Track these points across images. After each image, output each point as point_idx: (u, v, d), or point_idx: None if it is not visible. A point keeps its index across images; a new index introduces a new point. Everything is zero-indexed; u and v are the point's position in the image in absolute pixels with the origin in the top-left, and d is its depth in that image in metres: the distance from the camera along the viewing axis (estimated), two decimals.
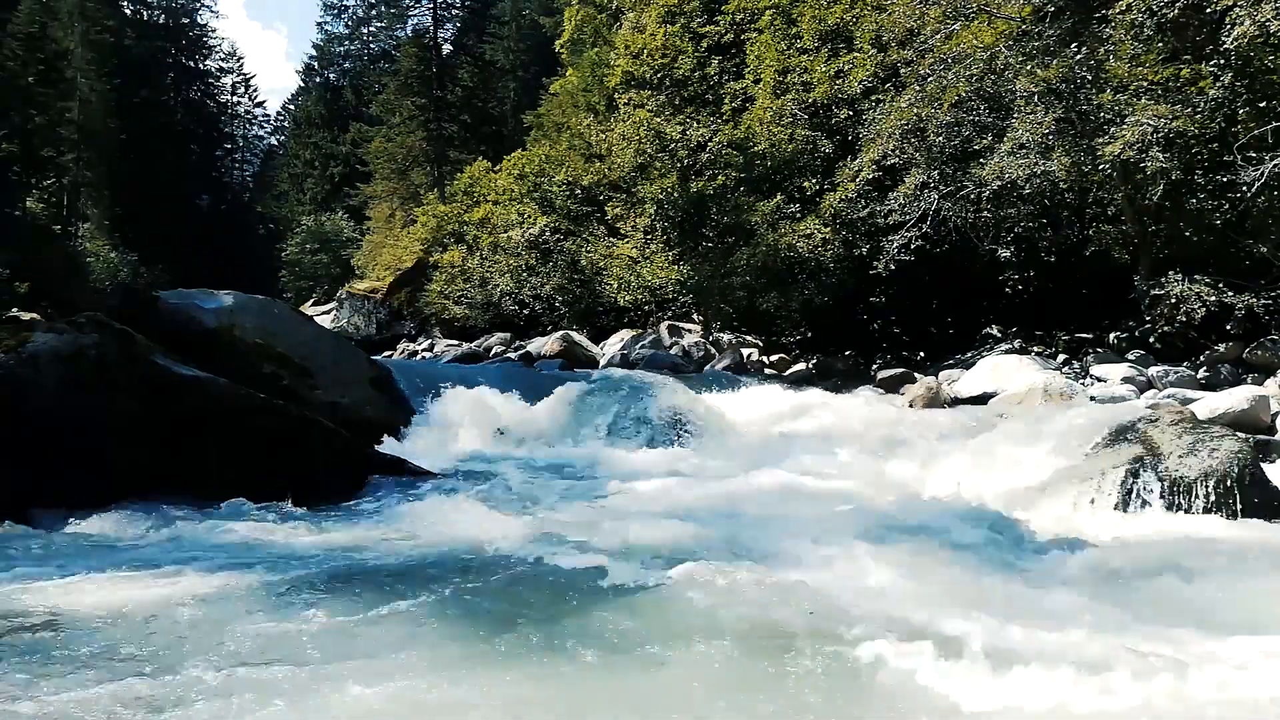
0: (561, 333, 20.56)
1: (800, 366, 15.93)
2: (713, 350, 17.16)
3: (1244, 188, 11.34)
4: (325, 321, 31.03)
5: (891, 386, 13.25)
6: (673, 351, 17.03)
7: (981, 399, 11.61)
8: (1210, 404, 9.51)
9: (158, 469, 6.42)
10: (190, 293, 10.40)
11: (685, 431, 10.24)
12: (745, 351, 16.96)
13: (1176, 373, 11.53)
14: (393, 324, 31.24)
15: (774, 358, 16.76)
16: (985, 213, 14.16)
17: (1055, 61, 12.53)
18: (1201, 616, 4.13)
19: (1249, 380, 11.02)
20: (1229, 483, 6.32)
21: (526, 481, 7.99)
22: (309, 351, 9.92)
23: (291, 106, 60.31)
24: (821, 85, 17.36)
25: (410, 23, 51.40)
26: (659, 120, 18.35)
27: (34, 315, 10.46)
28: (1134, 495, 6.45)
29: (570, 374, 15.21)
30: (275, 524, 5.92)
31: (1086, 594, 4.56)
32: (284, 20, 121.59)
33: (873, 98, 16.21)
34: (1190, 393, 10.52)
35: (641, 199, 18.35)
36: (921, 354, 15.52)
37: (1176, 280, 12.02)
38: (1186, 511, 6.25)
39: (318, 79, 57.88)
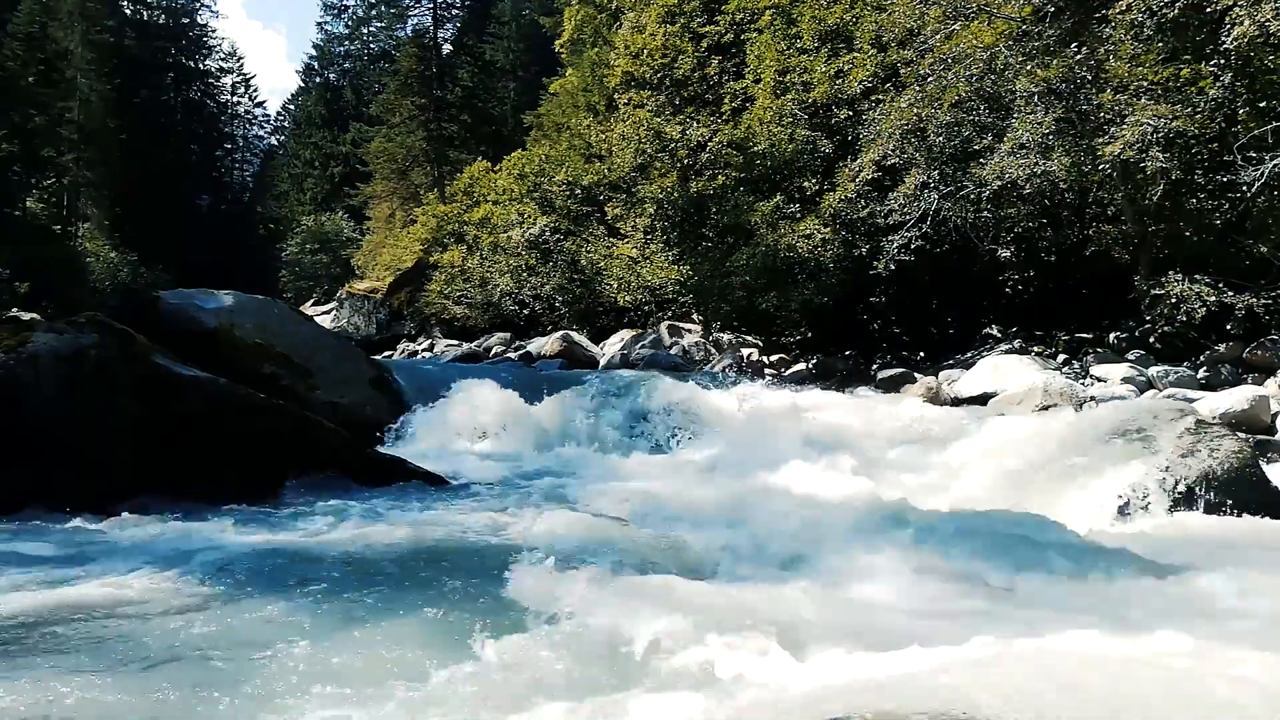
0: (561, 333, 20.56)
1: (800, 366, 15.92)
2: (713, 350, 17.16)
3: (1244, 188, 11.35)
4: (325, 321, 31.03)
5: (891, 386, 13.25)
6: (673, 351, 17.03)
7: (981, 399, 11.61)
8: (1210, 404, 9.51)
9: (157, 469, 6.42)
10: (190, 293, 10.41)
11: (684, 432, 10.25)
12: (745, 351, 16.95)
13: (1176, 373, 11.53)
14: (393, 324, 31.22)
15: (774, 358, 16.76)
16: (985, 213, 14.16)
17: (1055, 61, 12.54)
18: (1202, 615, 4.13)
19: (1249, 380, 11.02)
20: (1229, 482, 6.33)
21: (524, 482, 7.99)
22: (309, 351, 9.94)
23: (291, 106, 60.46)
24: (821, 85, 17.36)
25: (410, 23, 51.51)
26: (659, 120, 18.36)
27: (34, 315, 10.46)
28: (1134, 495, 6.45)
29: (570, 374, 15.23)
30: (274, 524, 5.91)
31: (1086, 593, 4.55)
32: (284, 20, 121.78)
33: (873, 98, 16.21)
34: (1190, 393, 10.51)
35: (641, 199, 18.35)
36: (921, 354, 15.52)
37: (1176, 280, 12.02)
38: (1186, 511, 6.25)
39: (318, 79, 58.00)
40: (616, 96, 22.96)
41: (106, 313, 7.90)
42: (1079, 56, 12.47)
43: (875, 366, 15.04)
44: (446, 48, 45.71)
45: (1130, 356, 12.46)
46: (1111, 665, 3.42)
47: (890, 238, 14.74)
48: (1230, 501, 6.27)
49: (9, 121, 23.68)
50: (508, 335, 23.88)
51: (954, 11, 13.85)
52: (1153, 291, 12.40)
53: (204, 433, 6.69)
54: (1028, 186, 13.32)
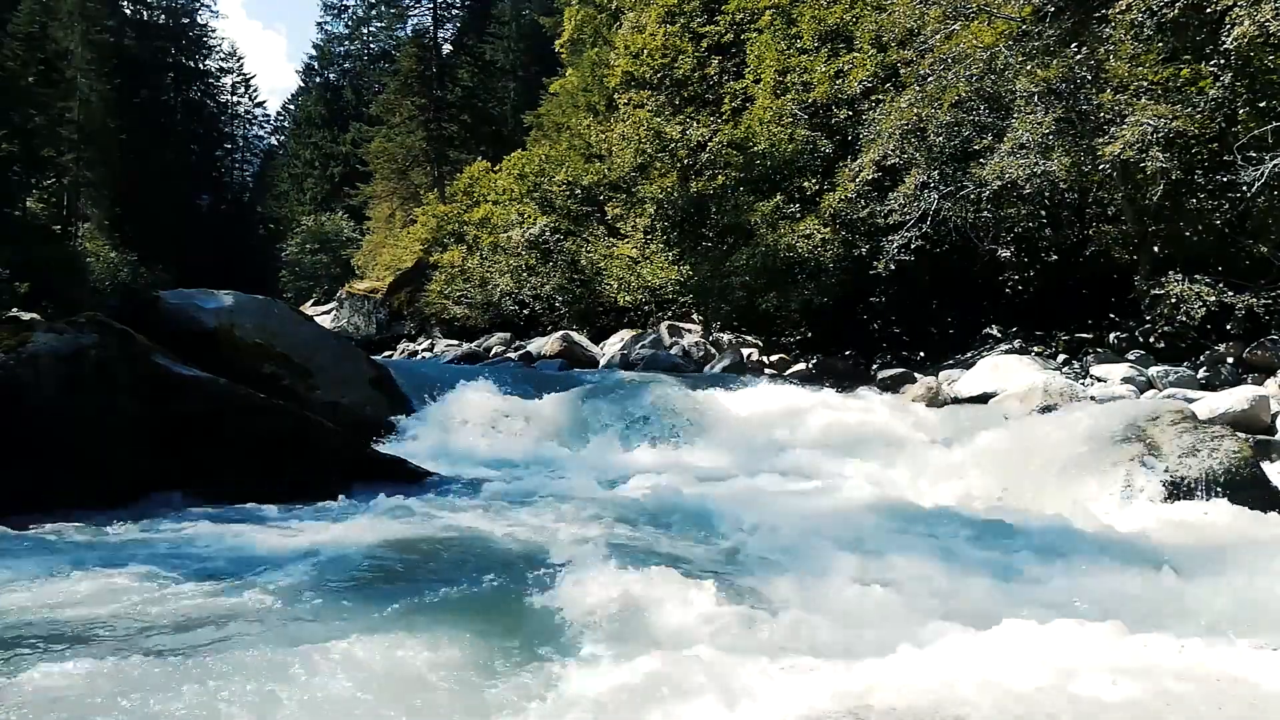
0: (561, 333, 20.55)
1: (800, 366, 15.93)
2: (713, 350, 17.15)
3: (1244, 188, 11.35)
4: (325, 321, 31.03)
5: (891, 386, 13.25)
6: (673, 351, 17.02)
7: (982, 399, 11.61)
8: (1210, 404, 9.51)
9: (157, 469, 6.42)
10: (190, 293, 10.40)
11: (684, 432, 10.24)
12: (745, 351, 16.95)
13: (1176, 373, 11.53)
14: (393, 324, 31.21)
15: (774, 358, 16.76)
16: (985, 213, 14.16)
17: (1055, 61, 12.53)
18: (1200, 614, 4.13)
19: (1249, 380, 11.03)
20: (1229, 481, 6.33)
21: (524, 481, 7.99)
22: (309, 351, 9.93)
23: (291, 106, 60.42)
24: (821, 85, 17.36)
25: (410, 23, 51.47)
26: (659, 120, 18.34)
27: (34, 315, 10.46)
28: (1134, 495, 6.45)
29: (570, 374, 15.23)
30: (274, 524, 5.91)
31: (1085, 593, 4.56)
32: (284, 20, 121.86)
33: (873, 98, 16.20)
34: (1190, 393, 10.51)
35: (641, 199, 18.34)
36: (921, 354, 15.51)
37: (1176, 280, 12.02)
38: (1188, 510, 6.25)
39: (318, 79, 57.99)
40: (616, 96, 22.95)
41: (106, 313, 7.90)
42: (1079, 56, 12.46)
43: (875, 366, 15.04)
44: (446, 48, 45.72)
45: (1130, 356, 12.46)
46: (1112, 669, 3.43)
47: (890, 238, 14.74)
48: (1230, 500, 6.27)
49: (9, 121, 23.66)
50: (508, 335, 23.87)
51: (954, 11, 13.84)
52: (1153, 291, 12.39)
53: (204, 433, 6.69)
54: (1028, 186, 13.31)
